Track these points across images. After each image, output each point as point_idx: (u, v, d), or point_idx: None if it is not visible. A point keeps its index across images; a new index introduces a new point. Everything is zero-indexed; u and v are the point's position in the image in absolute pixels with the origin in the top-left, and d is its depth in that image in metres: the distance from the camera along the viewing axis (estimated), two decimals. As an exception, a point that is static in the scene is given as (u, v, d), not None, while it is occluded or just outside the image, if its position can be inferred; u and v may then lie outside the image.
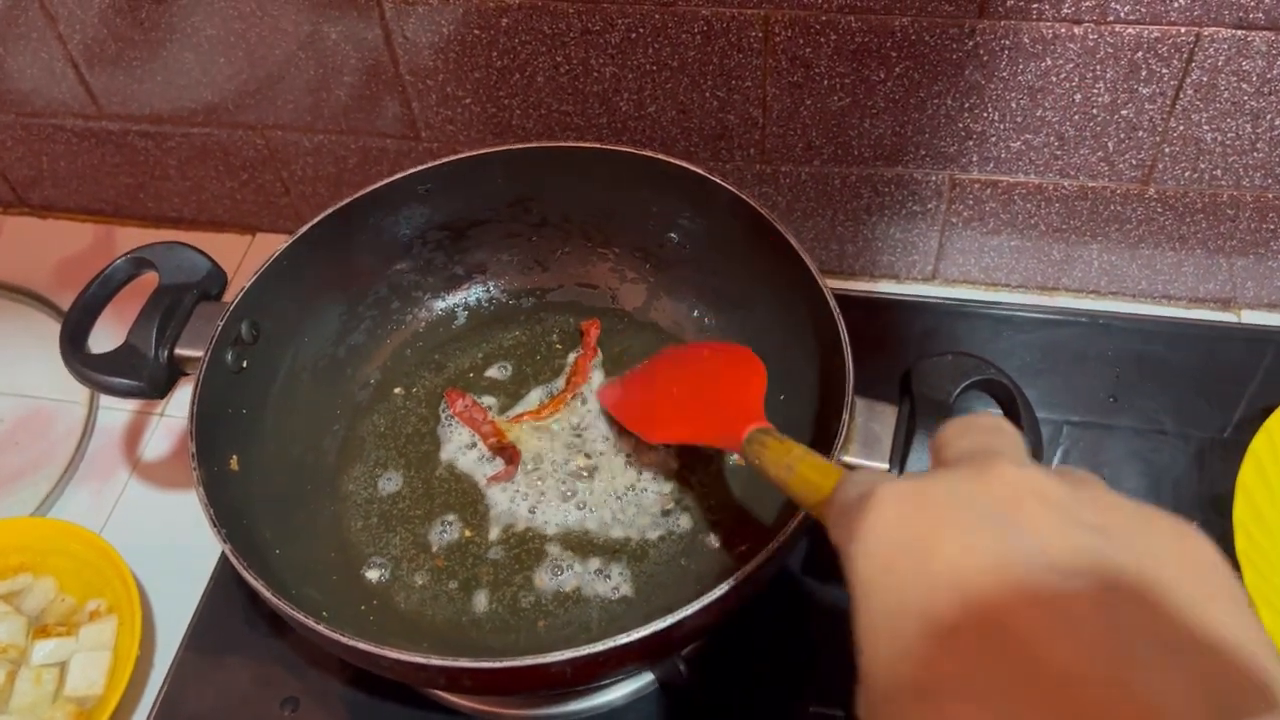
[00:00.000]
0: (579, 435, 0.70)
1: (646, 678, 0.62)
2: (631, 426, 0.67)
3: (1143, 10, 0.64)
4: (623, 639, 0.48)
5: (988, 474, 0.30)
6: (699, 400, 0.62)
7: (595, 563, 0.64)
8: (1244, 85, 0.67)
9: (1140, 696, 0.24)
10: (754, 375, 0.59)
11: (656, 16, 0.70)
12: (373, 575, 0.64)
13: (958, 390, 0.56)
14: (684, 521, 0.65)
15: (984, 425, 0.34)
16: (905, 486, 0.30)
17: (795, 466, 0.44)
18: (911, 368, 0.58)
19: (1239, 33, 0.64)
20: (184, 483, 0.77)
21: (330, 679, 0.65)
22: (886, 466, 0.54)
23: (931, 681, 0.26)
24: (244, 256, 0.92)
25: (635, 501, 0.66)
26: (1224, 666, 0.25)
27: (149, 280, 0.67)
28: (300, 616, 0.51)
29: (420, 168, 0.69)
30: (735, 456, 0.67)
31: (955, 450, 0.33)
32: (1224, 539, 0.61)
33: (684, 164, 0.67)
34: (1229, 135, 0.70)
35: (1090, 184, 0.74)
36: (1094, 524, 0.28)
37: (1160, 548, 0.28)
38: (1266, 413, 0.64)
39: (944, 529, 0.28)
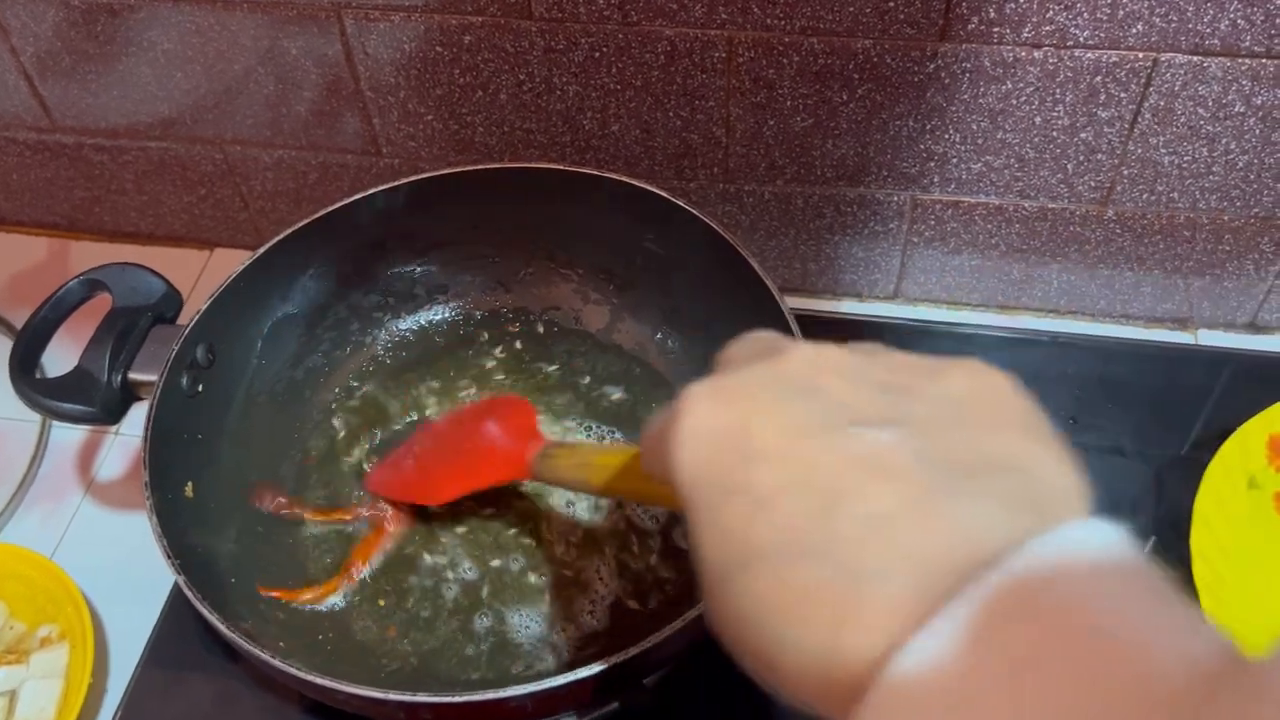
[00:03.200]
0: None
1: (611, 706, 0.61)
2: (412, 499, 0.66)
3: (1101, 35, 0.64)
4: (584, 672, 0.48)
5: (782, 359, 0.31)
6: (472, 446, 0.61)
7: (556, 593, 0.63)
8: (1200, 110, 0.67)
9: (954, 521, 0.25)
10: (520, 406, 0.60)
11: (620, 36, 0.69)
12: (330, 604, 0.63)
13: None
14: (647, 549, 0.65)
15: (765, 337, 0.35)
16: (707, 386, 0.31)
17: (592, 459, 0.44)
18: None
19: (1195, 58, 0.65)
20: (139, 504, 0.75)
21: (289, 705, 0.64)
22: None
23: (760, 550, 0.27)
24: (201, 272, 0.91)
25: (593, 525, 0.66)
26: (1025, 483, 0.27)
27: (103, 302, 0.66)
28: (255, 650, 0.50)
29: (381, 187, 0.69)
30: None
31: (743, 356, 0.34)
32: (1182, 561, 0.62)
33: (647, 186, 0.67)
34: (1185, 159, 0.70)
35: (1050, 205, 0.75)
36: (889, 382, 0.30)
37: (954, 389, 0.29)
38: (1223, 434, 0.65)
39: (754, 412, 0.29)
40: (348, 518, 0.67)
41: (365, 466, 0.70)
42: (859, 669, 0.25)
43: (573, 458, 0.47)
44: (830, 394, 0.29)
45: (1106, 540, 0.25)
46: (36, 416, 0.79)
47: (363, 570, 0.64)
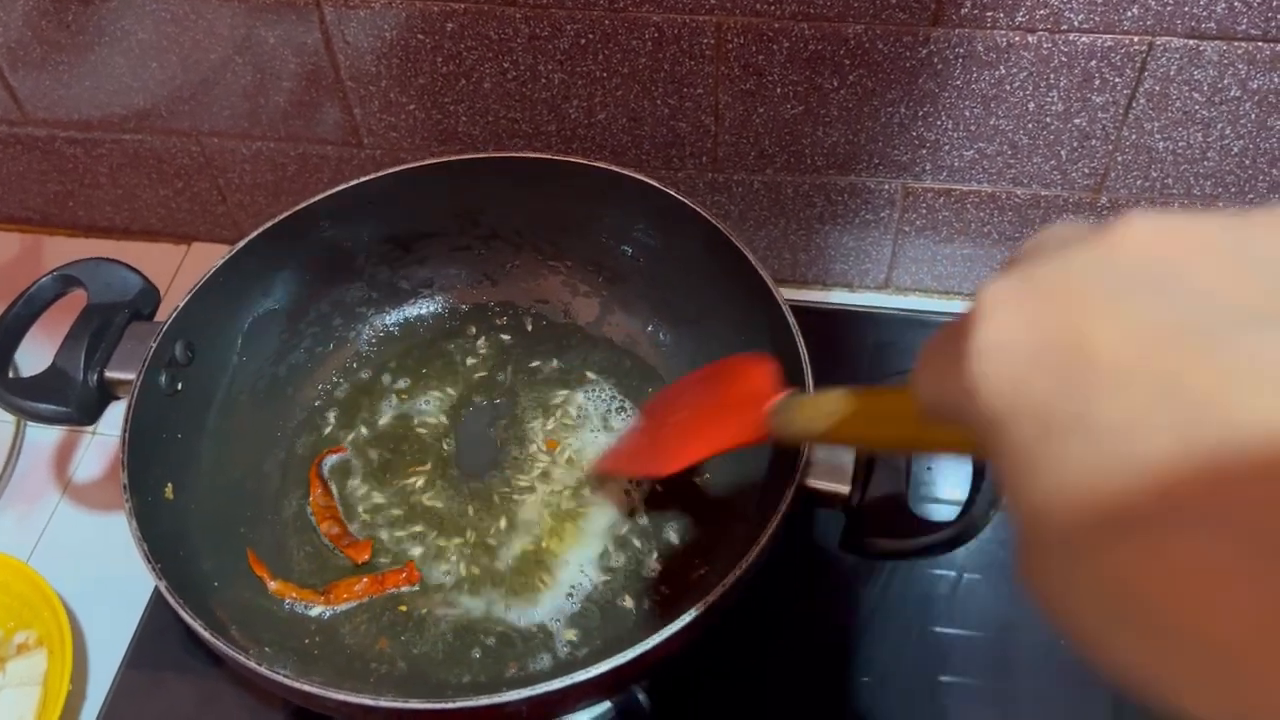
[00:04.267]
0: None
1: (604, 706, 0.60)
2: (641, 472, 0.63)
3: (1096, 19, 0.63)
4: (580, 676, 0.46)
5: (1116, 236, 0.22)
6: (702, 412, 0.55)
7: (550, 595, 0.62)
8: (1195, 95, 0.67)
9: None
10: (758, 362, 0.51)
11: (606, 22, 0.68)
12: (316, 608, 0.62)
13: (918, 410, 0.55)
14: (639, 550, 0.64)
15: (1084, 226, 0.25)
16: (1014, 280, 0.23)
17: (842, 407, 0.37)
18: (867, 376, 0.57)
19: (1191, 42, 0.64)
20: (117, 505, 0.73)
21: (274, 711, 0.63)
22: (849, 489, 0.53)
23: (1135, 510, 0.19)
24: (179, 266, 0.89)
25: (586, 528, 0.65)
26: None
27: (77, 299, 0.64)
28: (239, 656, 0.48)
29: (364, 179, 0.67)
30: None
31: (1058, 240, 0.25)
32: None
33: (637, 175, 0.66)
34: (1180, 144, 0.70)
35: (1043, 192, 0.74)
36: (1272, 256, 0.21)
37: None
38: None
39: (1089, 312, 0.21)
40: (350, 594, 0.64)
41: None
42: None
43: (821, 405, 0.39)
44: (1195, 280, 0.21)
45: None
46: (11, 417, 0.78)
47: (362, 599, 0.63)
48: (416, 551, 0.64)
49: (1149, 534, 0.19)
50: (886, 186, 0.76)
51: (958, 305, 0.83)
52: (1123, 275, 0.22)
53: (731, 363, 0.55)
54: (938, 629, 0.65)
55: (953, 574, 0.67)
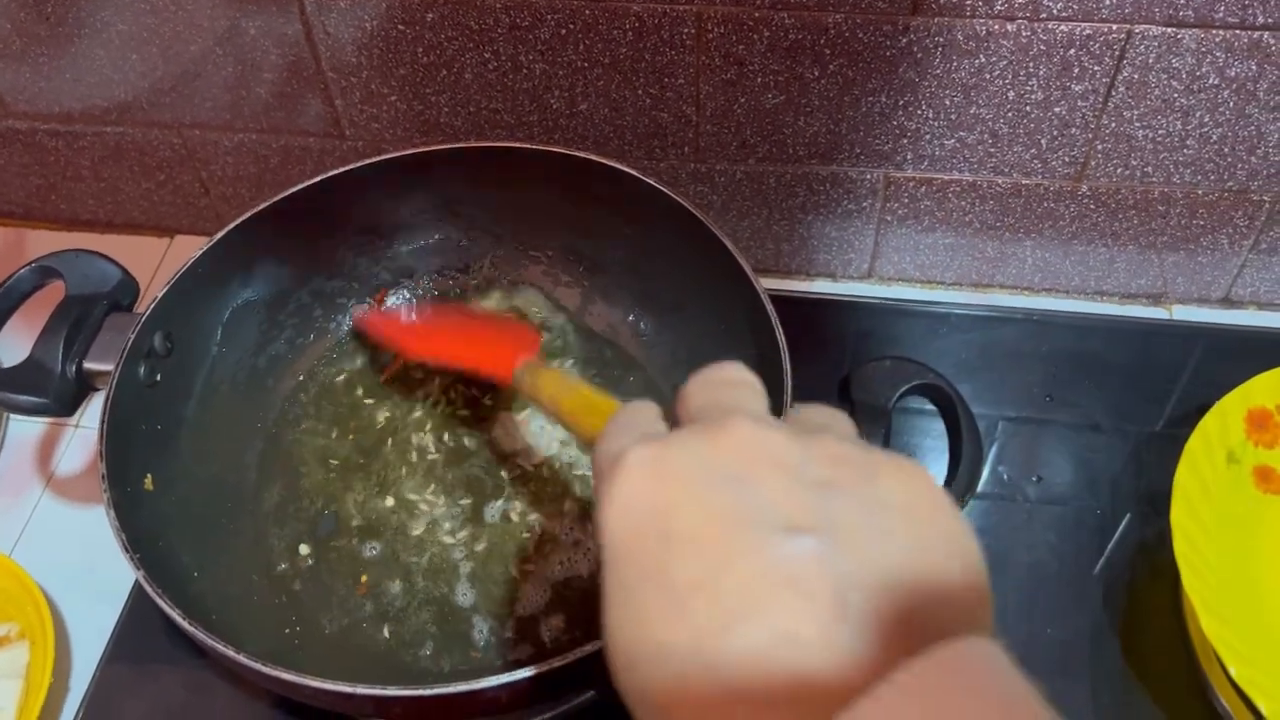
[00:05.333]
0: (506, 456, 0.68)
1: (588, 693, 0.60)
2: (398, 346, 0.69)
3: (1075, 7, 0.63)
4: (558, 662, 0.46)
5: (723, 435, 0.30)
6: (472, 331, 0.65)
7: (529, 583, 0.62)
8: (1174, 83, 0.67)
9: (844, 648, 0.26)
10: (526, 327, 0.65)
11: (587, 12, 0.68)
12: (297, 597, 0.62)
13: (896, 395, 0.55)
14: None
15: (724, 378, 0.35)
16: (649, 453, 0.30)
17: (562, 400, 0.45)
18: (850, 373, 0.57)
19: (1169, 30, 0.64)
20: (99, 499, 0.73)
21: (256, 702, 0.63)
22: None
23: (670, 649, 0.27)
24: (162, 259, 0.88)
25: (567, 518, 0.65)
26: (934, 601, 0.27)
27: (56, 290, 0.64)
28: (220, 646, 0.48)
29: (343, 169, 0.67)
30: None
31: (695, 405, 0.34)
32: (1161, 536, 0.61)
33: (617, 165, 0.66)
34: (1160, 132, 0.70)
35: (1024, 181, 0.74)
36: (822, 480, 0.29)
37: (887, 494, 0.29)
38: (1201, 409, 0.64)
39: (683, 496, 0.29)
40: None
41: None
42: None
43: (558, 384, 0.48)
44: (762, 488, 0.29)
45: (982, 656, 0.25)
46: (-9, 410, 0.78)
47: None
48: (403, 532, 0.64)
49: (671, 665, 0.27)
50: (868, 176, 0.76)
51: (940, 294, 0.83)
52: (714, 471, 0.29)
53: (508, 318, 0.68)
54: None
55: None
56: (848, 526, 0.28)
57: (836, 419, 0.34)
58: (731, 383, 0.34)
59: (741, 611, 0.26)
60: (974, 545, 0.29)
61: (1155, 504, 0.66)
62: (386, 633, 0.61)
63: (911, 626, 0.26)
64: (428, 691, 0.47)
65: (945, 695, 0.24)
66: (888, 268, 0.83)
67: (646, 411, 0.37)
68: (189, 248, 0.74)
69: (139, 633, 0.66)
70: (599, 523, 0.30)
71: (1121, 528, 0.68)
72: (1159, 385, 0.75)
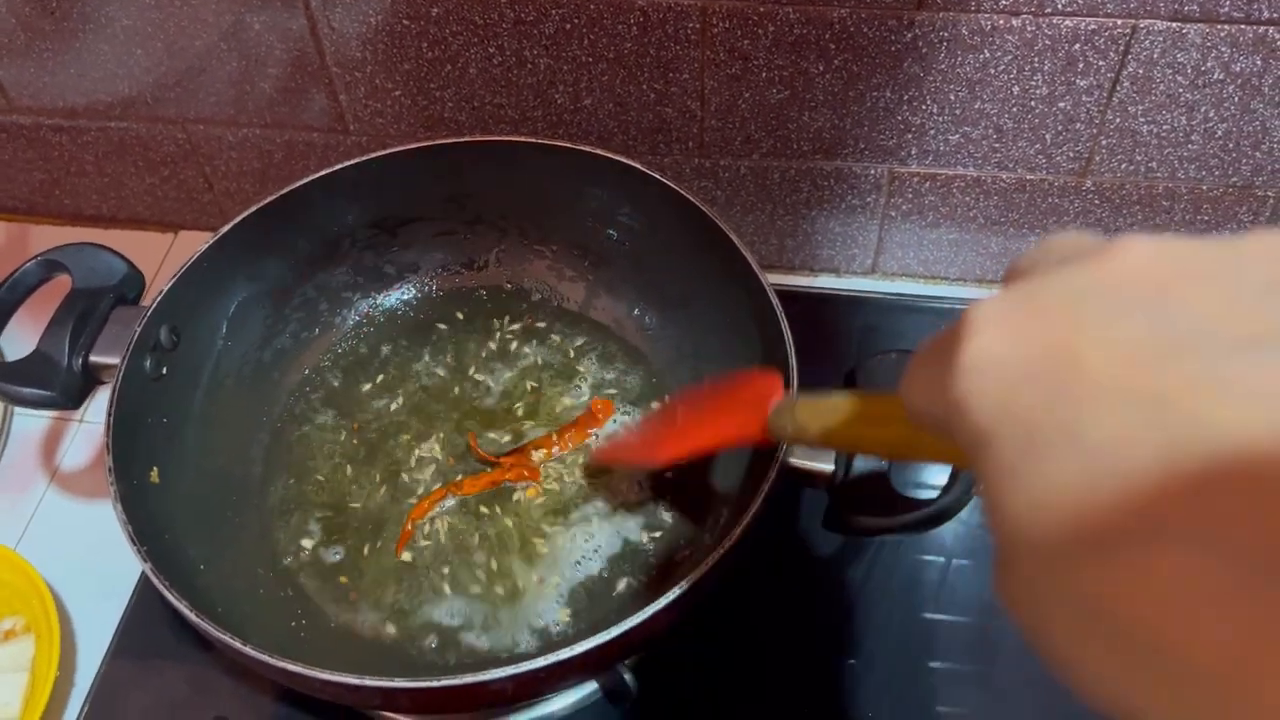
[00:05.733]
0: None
1: (591, 686, 0.60)
2: (635, 461, 0.64)
3: (1080, 2, 0.63)
4: (564, 654, 0.46)
5: (1112, 257, 0.23)
6: (706, 410, 0.56)
7: (534, 575, 0.62)
8: (1179, 78, 0.67)
9: None
10: (763, 373, 0.52)
11: (592, 7, 0.68)
12: (302, 590, 0.62)
13: (902, 389, 0.55)
14: (625, 530, 0.64)
15: (1079, 237, 0.25)
16: (1006, 298, 0.23)
17: (835, 430, 0.38)
18: (856, 367, 0.57)
19: (1174, 25, 0.64)
20: (104, 493, 0.73)
21: (261, 695, 0.63)
22: (832, 468, 0.53)
23: (1118, 526, 0.19)
24: (166, 255, 0.89)
25: (574, 515, 0.65)
26: None
27: (62, 284, 0.64)
28: (226, 638, 0.48)
29: (348, 163, 0.67)
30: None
31: (1052, 259, 0.25)
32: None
33: (621, 159, 0.66)
34: (1164, 127, 0.70)
35: (1028, 176, 0.74)
36: (1268, 281, 0.21)
37: None
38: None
39: (1081, 330, 0.21)
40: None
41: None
42: None
43: (819, 408, 0.40)
44: (1189, 303, 0.21)
45: None
46: (-2, 404, 0.78)
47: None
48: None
49: (1131, 550, 0.19)
50: (872, 171, 0.76)
51: (944, 290, 0.83)
52: (1117, 297, 0.22)
53: (742, 374, 0.55)
54: (925, 614, 0.65)
55: (941, 560, 0.67)
56: None
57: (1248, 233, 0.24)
58: (1083, 239, 0.25)
59: (1217, 455, 0.19)
60: None
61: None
62: (392, 626, 0.61)
63: None
64: (434, 683, 0.47)
65: None
66: (892, 263, 0.83)
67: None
68: (193, 243, 0.74)
69: (144, 627, 0.66)
70: (957, 406, 0.23)
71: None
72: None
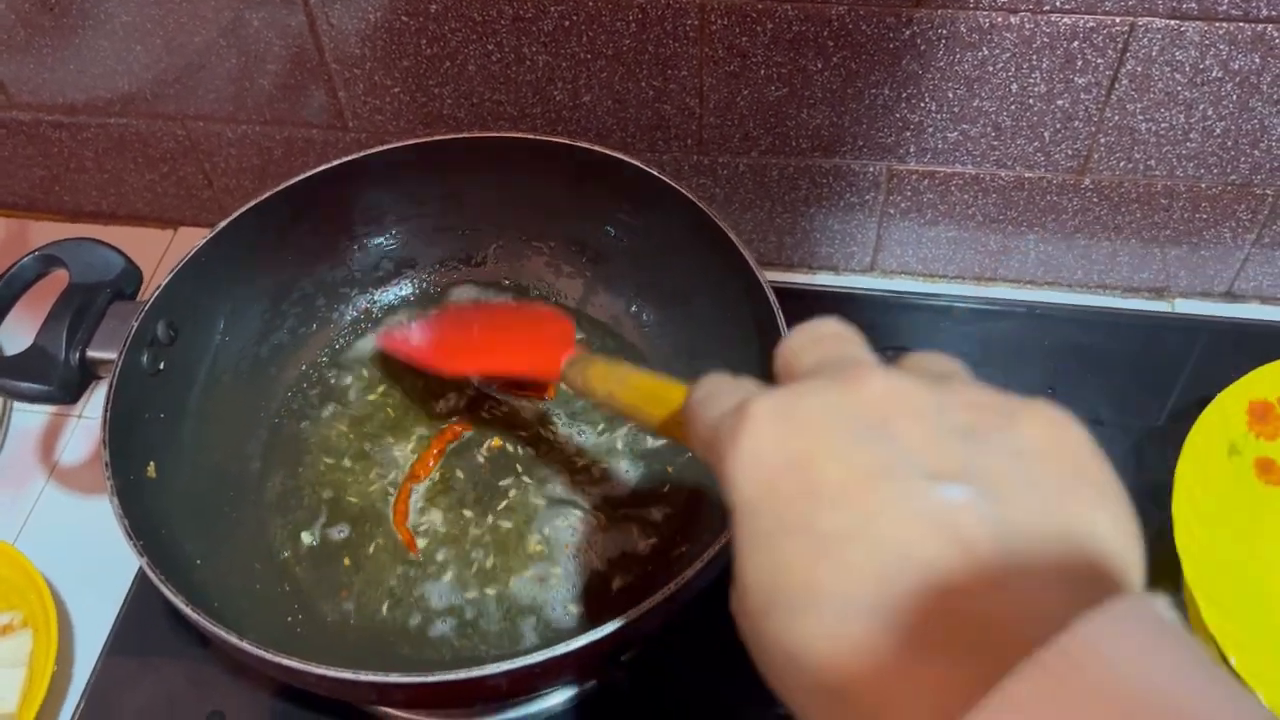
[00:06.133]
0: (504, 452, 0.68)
1: (588, 682, 0.60)
2: (425, 362, 0.65)
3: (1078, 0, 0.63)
4: (559, 649, 0.46)
5: (855, 385, 0.29)
6: (507, 334, 0.61)
7: (530, 571, 0.62)
8: (1177, 75, 0.67)
9: (1011, 599, 0.25)
10: (560, 316, 0.60)
11: (590, 3, 0.68)
12: (299, 585, 0.62)
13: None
14: (621, 529, 0.64)
15: (830, 332, 0.33)
16: (777, 403, 0.29)
17: (620, 393, 0.43)
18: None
19: (1172, 23, 0.64)
20: (103, 489, 0.74)
21: (258, 691, 0.63)
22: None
23: (823, 594, 0.26)
24: (165, 252, 0.89)
25: (570, 513, 0.65)
26: (1086, 553, 0.26)
27: (59, 279, 0.64)
28: (222, 632, 0.48)
29: (346, 159, 0.67)
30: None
31: (808, 361, 0.32)
32: (1162, 531, 0.61)
33: (619, 155, 0.66)
34: (1163, 125, 0.70)
35: (1027, 174, 0.74)
36: (963, 427, 0.28)
37: (1028, 440, 0.28)
38: (1202, 402, 0.64)
39: (823, 447, 0.28)
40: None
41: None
42: None
43: (612, 372, 0.46)
44: (905, 438, 0.28)
45: (1152, 613, 0.24)
46: (-4, 400, 0.78)
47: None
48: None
49: (820, 612, 0.26)
50: (871, 169, 0.76)
51: (943, 288, 0.83)
52: (853, 422, 0.28)
53: (535, 307, 0.64)
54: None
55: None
56: (994, 475, 0.27)
57: (954, 364, 0.32)
58: (840, 336, 0.33)
59: (899, 562, 0.26)
60: (1121, 492, 0.28)
61: (1157, 497, 0.66)
62: (389, 621, 0.61)
63: (1070, 576, 0.26)
64: (429, 678, 0.47)
65: (1135, 653, 0.23)
66: (890, 261, 0.83)
67: (734, 379, 0.35)
68: (192, 240, 0.74)
69: (141, 622, 0.66)
70: (725, 475, 0.29)
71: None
72: (1161, 378, 0.75)
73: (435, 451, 0.67)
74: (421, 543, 0.64)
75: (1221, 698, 0.23)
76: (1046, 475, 0.27)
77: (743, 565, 0.29)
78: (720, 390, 0.34)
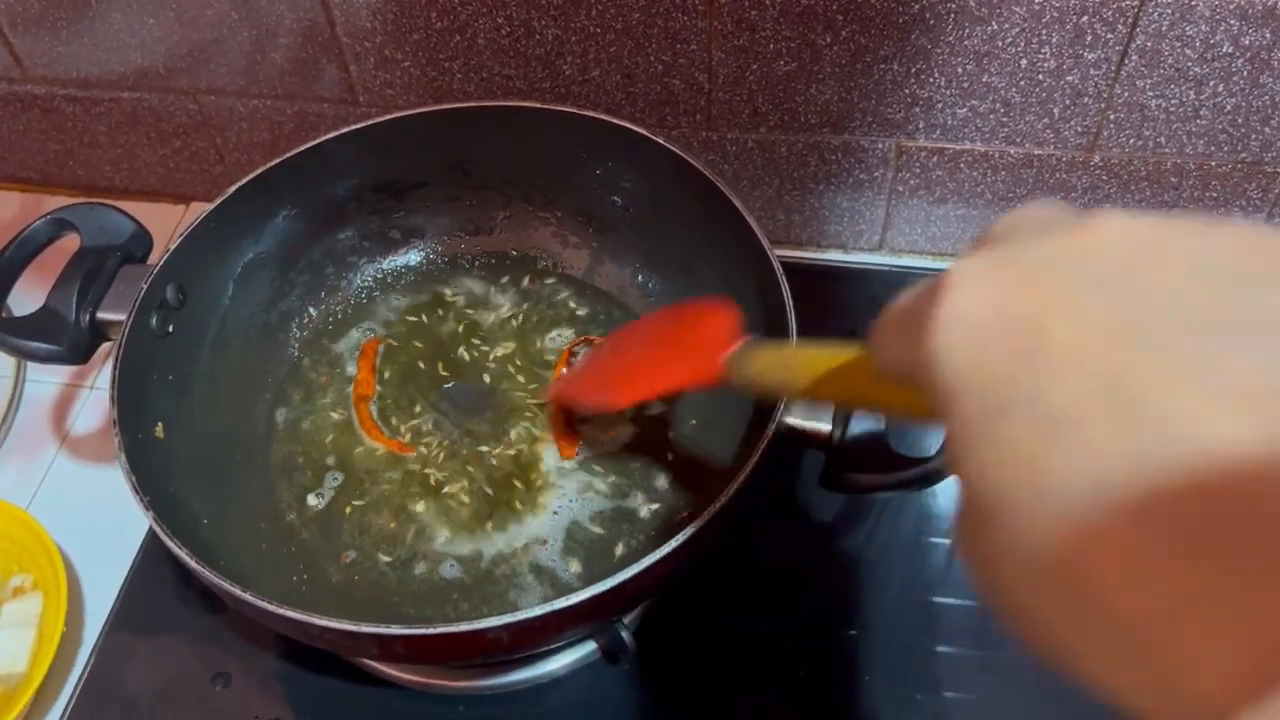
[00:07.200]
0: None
1: (589, 646, 0.61)
2: (593, 402, 0.63)
3: (1088, -27, 0.63)
4: (561, 603, 0.47)
5: (1090, 230, 0.23)
6: (662, 350, 0.56)
7: (537, 533, 0.63)
8: (1188, 51, 0.66)
9: None
10: (722, 311, 0.52)
11: (599, -24, 0.68)
12: (304, 546, 0.62)
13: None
14: (629, 494, 0.64)
15: (1054, 209, 0.27)
16: (985, 260, 0.24)
17: (799, 359, 0.38)
18: (858, 335, 0.57)
19: (1183, -3, 0.64)
20: (113, 457, 0.74)
21: (263, 653, 0.63)
22: (829, 429, 0.53)
23: (1050, 488, 0.21)
24: (177, 226, 0.89)
25: (576, 477, 0.65)
26: None
27: (71, 243, 0.65)
28: (226, 585, 0.49)
29: (354, 127, 0.67)
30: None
31: (1029, 226, 0.26)
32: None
33: (626, 124, 0.66)
34: (1173, 102, 0.69)
35: (1036, 151, 0.74)
36: (1235, 270, 0.22)
37: None
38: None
39: (1053, 301, 0.22)
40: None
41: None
42: (1211, 690, 0.19)
43: (776, 358, 0.41)
44: (1157, 284, 0.22)
45: None
46: (10, 370, 0.79)
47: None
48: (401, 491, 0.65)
49: (1081, 513, 0.20)
50: (880, 145, 0.76)
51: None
52: (1088, 270, 0.23)
53: (695, 305, 0.56)
54: (929, 595, 0.65)
55: (942, 533, 0.67)
56: (1276, 325, 0.21)
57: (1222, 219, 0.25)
58: (1061, 209, 0.26)
59: (1164, 435, 0.20)
60: None
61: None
62: (393, 582, 0.61)
63: None
64: (430, 630, 0.47)
65: None
66: (899, 239, 0.83)
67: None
68: (203, 213, 0.75)
69: (149, 586, 0.67)
70: (927, 360, 0.24)
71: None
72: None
73: (366, 367, 0.69)
74: (429, 500, 0.64)
75: None
76: None
77: (961, 470, 0.23)
78: (908, 293, 0.28)
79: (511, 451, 0.66)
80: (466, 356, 0.71)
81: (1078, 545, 0.20)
